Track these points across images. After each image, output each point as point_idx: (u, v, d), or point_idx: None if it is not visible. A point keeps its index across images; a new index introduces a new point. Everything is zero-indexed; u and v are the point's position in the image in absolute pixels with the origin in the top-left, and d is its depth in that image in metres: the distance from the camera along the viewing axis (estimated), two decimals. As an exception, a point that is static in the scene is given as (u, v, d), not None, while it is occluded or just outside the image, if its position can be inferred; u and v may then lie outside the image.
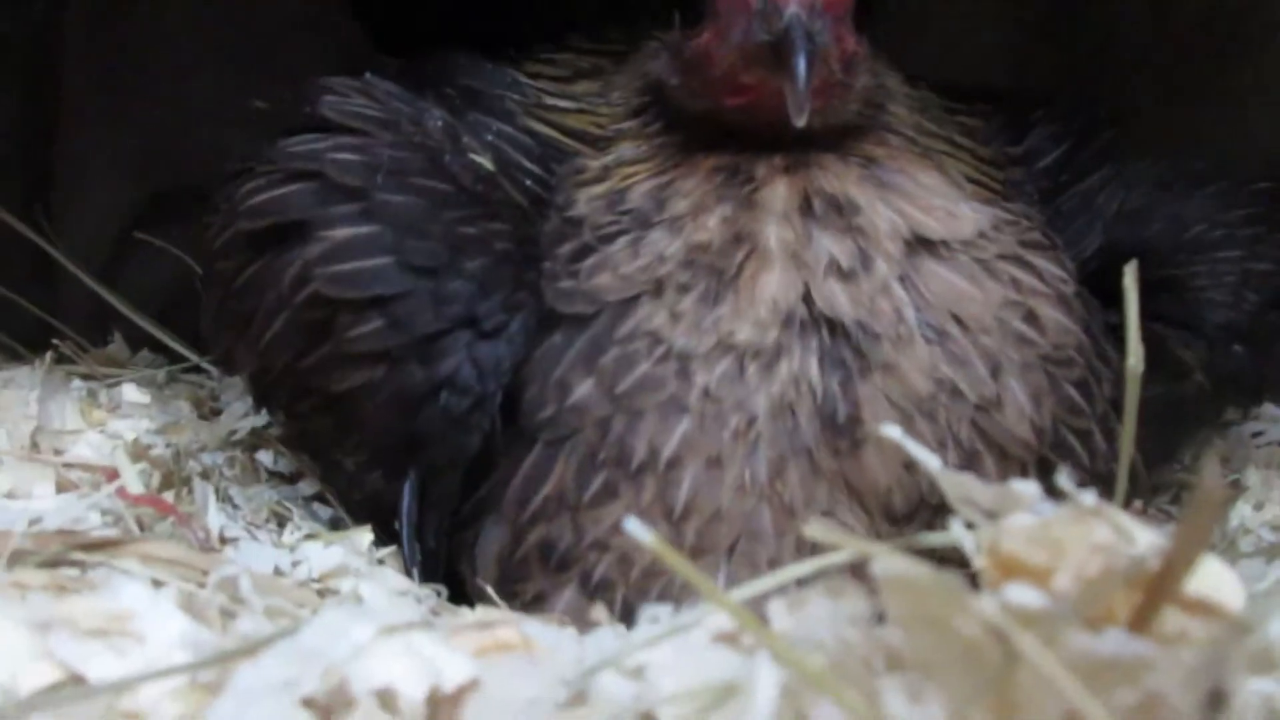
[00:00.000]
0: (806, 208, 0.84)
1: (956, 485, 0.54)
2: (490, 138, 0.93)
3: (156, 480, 0.96)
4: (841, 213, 0.83)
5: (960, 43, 1.50)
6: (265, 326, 0.88)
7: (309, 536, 0.93)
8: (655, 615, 0.58)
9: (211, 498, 0.94)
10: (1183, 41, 1.37)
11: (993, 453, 0.84)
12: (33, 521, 0.80)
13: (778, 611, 0.52)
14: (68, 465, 0.94)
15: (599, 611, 0.73)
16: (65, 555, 0.71)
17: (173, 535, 0.84)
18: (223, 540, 0.89)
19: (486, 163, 0.90)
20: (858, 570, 0.51)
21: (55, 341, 1.24)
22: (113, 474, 0.92)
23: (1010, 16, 1.52)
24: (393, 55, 1.15)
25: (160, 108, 1.55)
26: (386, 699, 0.53)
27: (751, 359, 0.82)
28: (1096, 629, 0.45)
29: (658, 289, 0.84)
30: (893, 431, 0.60)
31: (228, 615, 0.68)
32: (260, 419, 1.05)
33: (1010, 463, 0.85)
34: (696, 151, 0.87)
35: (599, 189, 0.89)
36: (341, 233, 0.85)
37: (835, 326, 0.82)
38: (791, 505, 0.81)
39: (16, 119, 1.53)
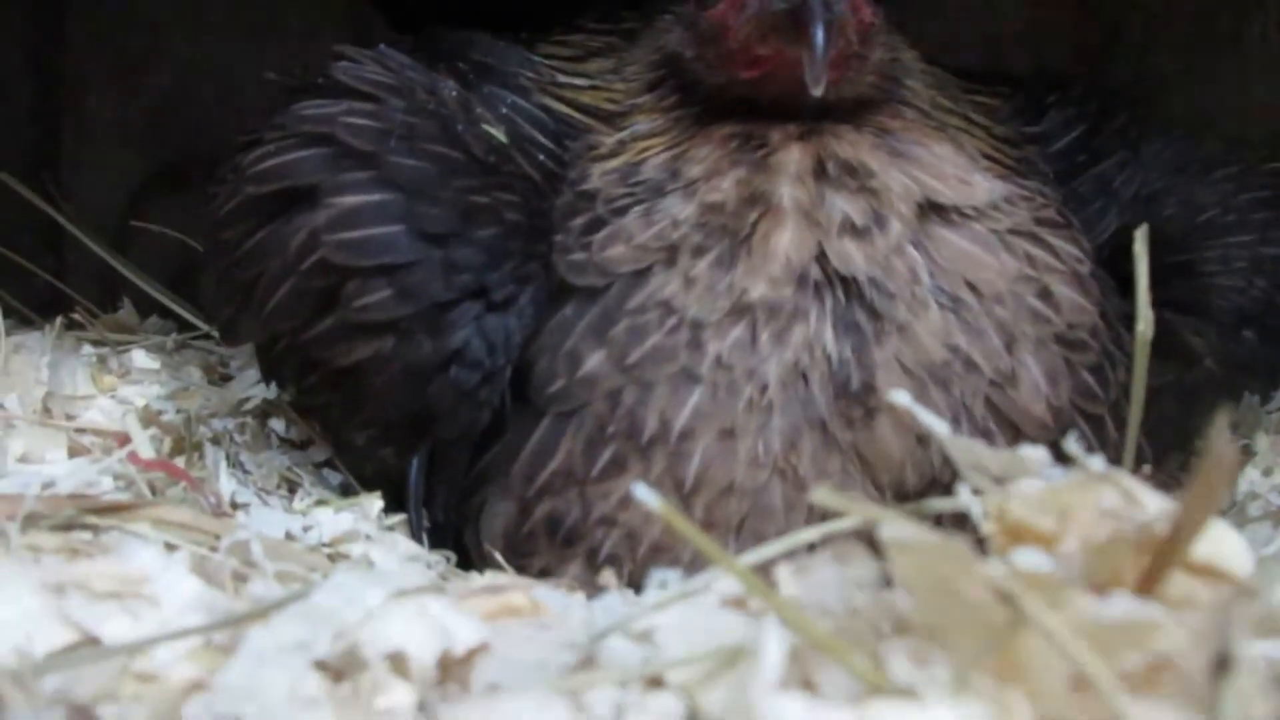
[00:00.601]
0: (820, 171, 0.83)
1: (965, 451, 0.54)
2: (504, 110, 0.92)
3: (167, 446, 0.97)
4: (855, 175, 0.83)
5: (975, 17, 1.49)
6: (270, 294, 0.87)
7: (320, 502, 0.93)
8: (664, 580, 0.59)
9: (223, 463, 0.95)
10: (1198, 11, 1.36)
11: (1007, 432, 0.83)
12: (45, 486, 0.81)
13: (785, 576, 0.52)
14: (79, 430, 0.95)
15: (608, 576, 0.73)
16: (78, 519, 0.72)
17: (184, 500, 0.85)
18: (234, 506, 0.90)
19: (499, 135, 0.89)
20: (866, 539, 0.52)
21: (71, 313, 1.24)
22: (124, 439, 0.93)
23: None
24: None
25: (169, 73, 1.55)
26: (397, 662, 0.53)
27: (765, 325, 0.81)
28: (1104, 593, 0.46)
29: (671, 257, 0.83)
30: (902, 398, 0.60)
31: (240, 579, 0.69)
32: (272, 390, 1.05)
33: (1024, 442, 0.84)
34: (711, 124, 0.87)
35: (613, 163, 0.88)
36: (351, 199, 0.84)
37: (849, 286, 0.81)
38: (803, 480, 0.81)
39: (24, 86, 1.53)
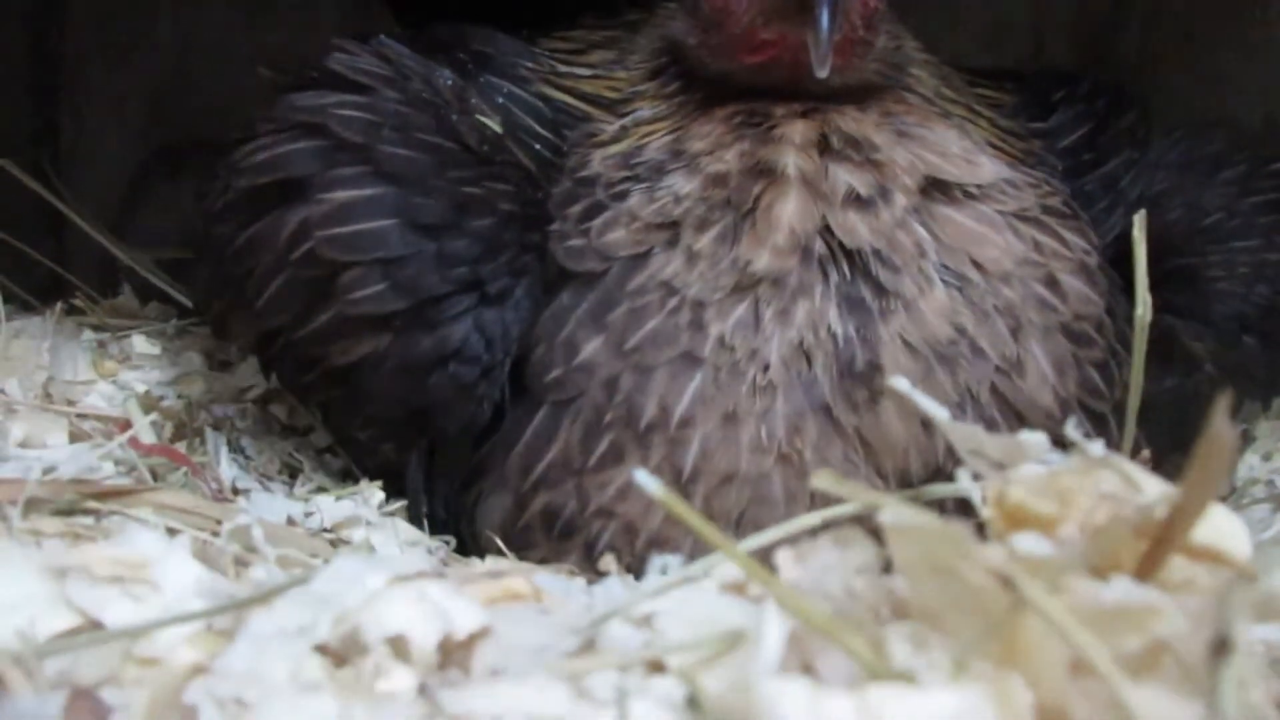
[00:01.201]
0: (824, 144, 0.83)
1: (965, 436, 0.54)
2: (500, 100, 0.91)
3: (168, 431, 0.97)
4: (859, 149, 0.83)
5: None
6: (262, 288, 0.87)
7: (321, 488, 0.93)
8: (664, 566, 0.59)
9: (224, 449, 0.95)
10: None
11: (1012, 422, 0.83)
12: (47, 470, 0.81)
13: (785, 561, 0.52)
14: (80, 416, 0.95)
15: (608, 561, 0.73)
16: (79, 504, 0.72)
17: (185, 485, 0.85)
18: (235, 491, 0.90)
19: (494, 124, 0.89)
20: (867, 527, 0.52)
21: (72, 298, 1.24)
22: (125, 425, 0.93)
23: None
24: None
25: (167, 56, 1.55)
26: (399, 646, 0.53)
27: (768, 302, 0.80)
28: (1103, 577, 0.46)
29: (673, 236, 0.83)
30: (902, 384, 0.60)
31: (241, 564, 0.69)
32: (273, 381, 1.04)
33: None
34: (714, 106, 0.86)
35: (615, 148, 0.88)
36: (343, 195, 0.83)
37: (854, 259, 0.81)
38: (806, 467, 0.80)
39: (22, 71, 1.53)
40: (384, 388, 0.86)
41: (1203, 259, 0.97)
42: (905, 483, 0.81)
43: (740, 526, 0.80)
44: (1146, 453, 0.72)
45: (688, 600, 0.53)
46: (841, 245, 0.81)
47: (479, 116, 0.89)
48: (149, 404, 0.99)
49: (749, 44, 0.83)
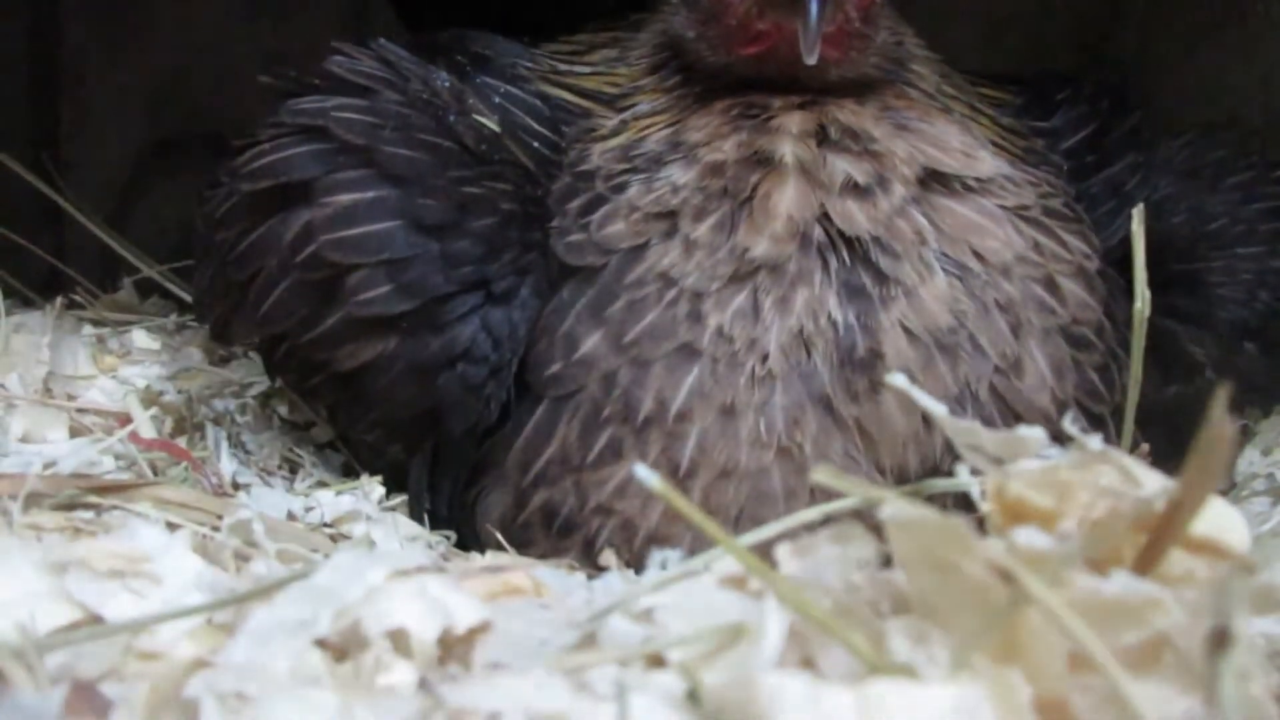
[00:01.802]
0: (822, 134, 0.83)
1: (963, 431, 0.54)
2: (497, 100, 0.91)
3: (169, 426, 0.97)
4: (857, 139, 0.83)
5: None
6: (266, 293, 0.87)
7: (321, 483, 0.94)
8: (664, 560, 0.59)
9: (224, 444, 0.95)
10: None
11: (1010, 421, 0.82)
12: (47, 465, 0.81)
13: (785, 556, 0.52)
14: (81, 410, 0.95)
15: (608, 556, 0.73)
16: (80, 498, 0.72)
17: (186, 480, 0.85)
18: (235, 486, 0.90)
19: (491, 123, 0.89)
20: (867, 522, 0.52)
21: (72, 293, 1.24)
22: (125, 419, 0.93)
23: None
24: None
25: (166, 51, 1.55)
26: (399, 640, 0.53)
27: (767, 291, 0.80)
28: (1103, 571, 0.46)
29: (670, 226, 0.83)
30: (899, 379, 0.60)
31: (241, 558, 0.69)
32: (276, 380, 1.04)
33: None
34: (713, 99, 0.87)
35: (614, 142, 0.88)
36: (346, 198, 0.83)
37: (853, 247, 0.81)
38: (805, 461, 0.79)
39: (22, 66, 1.53)
40: (392, 390, 0.86)
41: (1205, 264, 0.97)
42: (903, 479, 0.80)
43: (739, 523, 0.79)
44: (1145, 447, 0.72)
45: (688, 595, 0.53)
46: (841, 233, 0.81)
47: (476, 116, 0.89)
48: (149, 399, 0.99)
49: (745, 35, 0.83)
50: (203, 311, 1.01)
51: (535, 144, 0.90)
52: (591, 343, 0.83)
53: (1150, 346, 0.74)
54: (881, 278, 0.81)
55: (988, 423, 0.81)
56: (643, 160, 0.85)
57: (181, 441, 0.94)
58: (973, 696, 0.43)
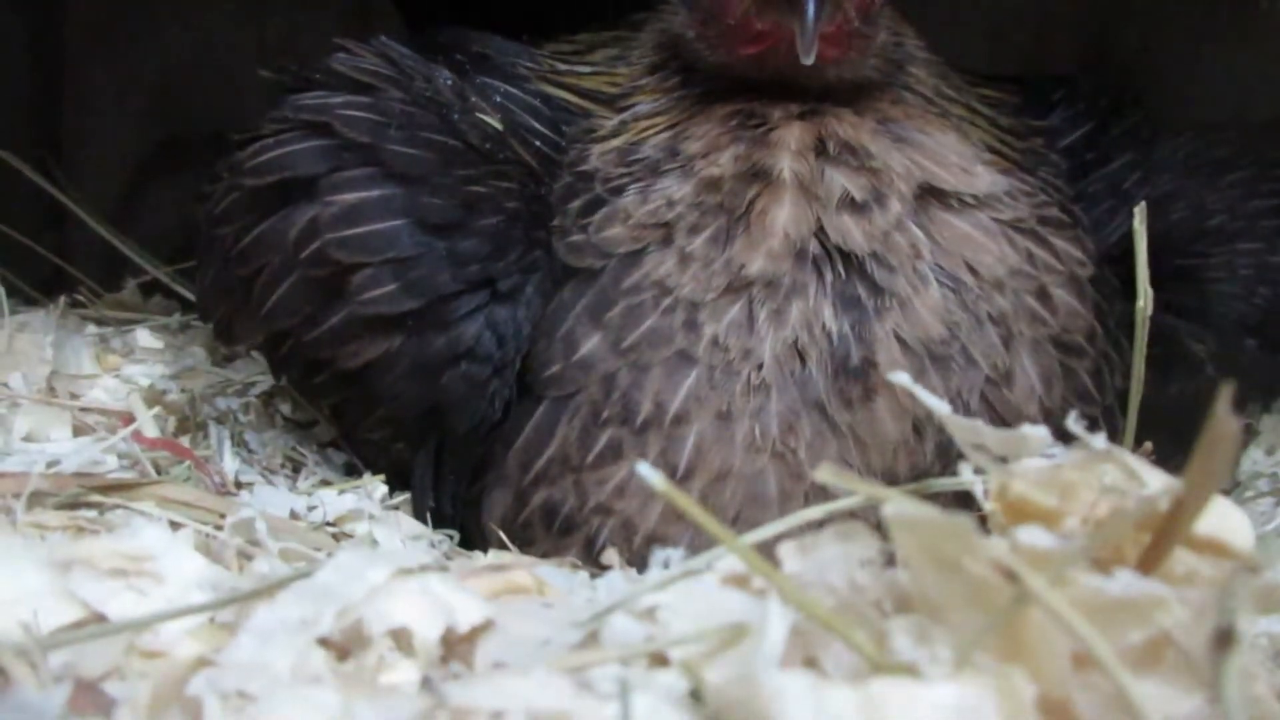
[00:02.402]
0: (820, 148, 0.83)
1: (966, 430, 0.54)
2: (498, 99, 0.91)
3: (172, 425, 0.97)
4: (855, 155, 0.83)
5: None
6: (271, 290, 0.86)
7: (324, 482, 0.93)
8: (666, 559, 0.59)
9: (227, 443, 0.95)
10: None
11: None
12: (50, 464, 0.81)
13: (788, 554, 0.52)
14: (84, 409, 0.95)
15: (610, 554, 0.73)
16: (83, 497, 0.72)
17: (189, 479, 0.85)
18: (238, 485, 0.90)
19: (495, 122, 0.89)
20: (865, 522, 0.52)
21: (75, 292, 1.24)
22: (128, 418, 0.93)
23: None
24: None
25: (168, 51, 1.55)
26: (401, 639, 0.54)
27: (762, 303, 0.81)
28: (1106, 570, 0.46)
29: (666, 235, 0.83)
30: (902, 378, 0.60)
31: (244, 557, 0.69)
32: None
33: None
34: (713, 103, 0.86)
35: (614, 143, 0.88)
36: (352, 196, 0.83)
37: (849, 260, 0.81)
38: (800, 465, 0.80)
39: (24, 66, 1.53)
40: (396, 388, 0.86)
41: (1205, 260, 0.97)
42: (892, 485, 0.81)
43: (735, 525, 0.79)
44: (1148, 445, 0.72)
45: (690, 594, 0.53)
46: (837, 247, 0.81)
47: (479, 114, 0.89)
48: (152, 398, 0.99)
49: (744, 35, 0.83)
50: (206, 310, 1.01)
51: (537, 143, 0.90)
52: (591, 345, 0.83)
53: (1151, 343, 0.74)
54: (876, 289, 0.81)
55: None
56: (640, 167, 0.86)
57: (184, 440, 0.94)
58: (976, 695, 0.43)
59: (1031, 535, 0.45)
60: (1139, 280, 0.70)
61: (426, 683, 0.51)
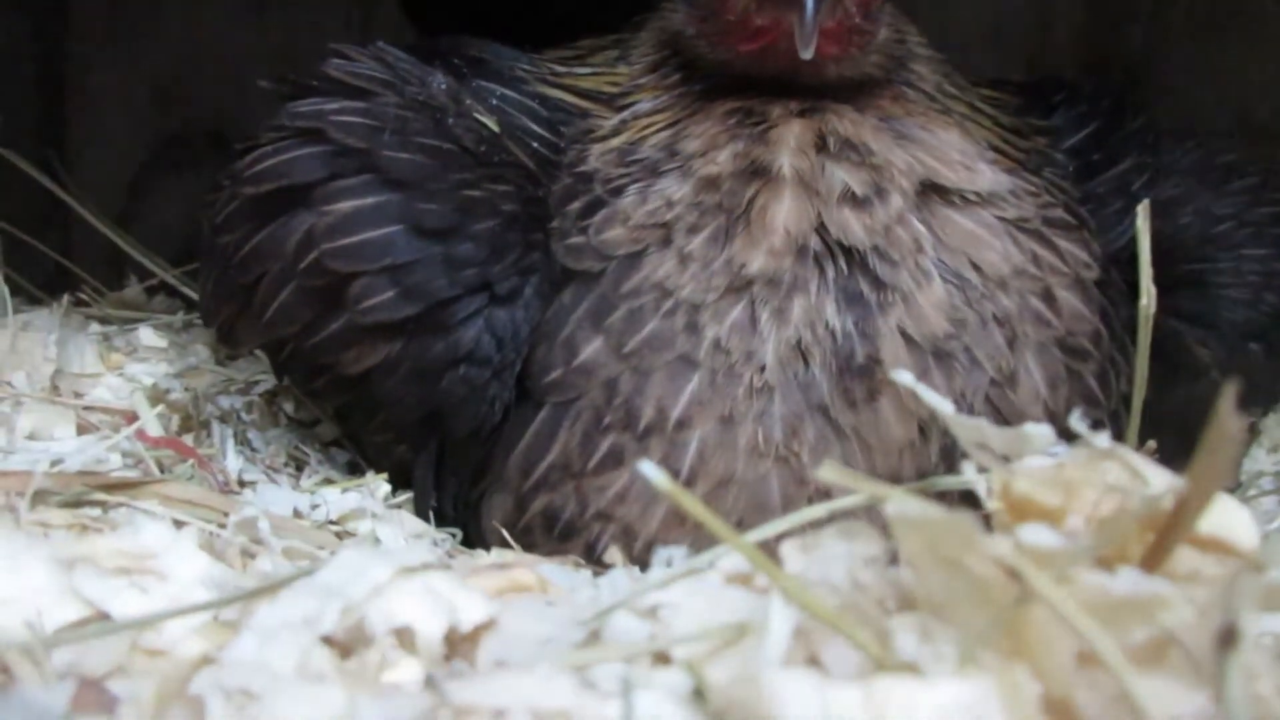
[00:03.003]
0: (821, 145, 0.83)
1: (969, 429, 0.54)
2: (494, 102, 0.91)
3: (175, 424, 0.97)
4: (856, 151, 0.82)
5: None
6: (272, 297, 0.86)
7: (327, 481, 0.94)
8: (669, 558, 0.59)
9: (230, 441, 0.95)
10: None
11: None
12: (54, 462, 0.81)
13: (791, 553, 0.52)
14: (88, 408, 0.95)
15: (613, 554, 0.73)
16: (87, 495, 0.72)
17: (192, 477, 0.85)
18: (241, 483, 0.90)
19: (490, 124, 0.89)
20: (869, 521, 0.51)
21: (78, 291, 1.24)
22: (132, 417, 0.93)
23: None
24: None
25: (171, 50, 1.55)
26: (404, 637, 0.54)
27: (764, 302, 0.80)
28: (1110, 568, 0.46)
29: (665, 236, 0.82)
30: (905, 377, 0.60)
31: (247, 555, 0.69)
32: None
33: None
34: (713, 101, 0.86)
35: (613, 143, 0.88)
36: (347, 205, 0.83)
37: (851, 256, 0.80)
38: (803, 473, 0.80)
39: (28, 65, 1.53)
40: (397, 392, 0.86)
41: (1212, 265, 0.97)
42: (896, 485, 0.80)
43: (738, 530, 0.79)
44: (1152, 444, 0.72)
45: (693, 592, 0.53)
46: (839, 242, 0.81)
47: (475, 116, 0.88)
48: (156, 396, 0.99)
49: (744, 31, 0.83)
50: (208, 315, 1.01)
51: (534, 145, 0.90)
52: (591, 349, 0.83)
53: (1156, 347, 0.74)
54: (879, 284, 0.81)
55: None
56: (639, 168, 0.85)
57: (188, 439, 0.95)
58: (979, 693, 0.43)
59: (1035, 534, 0.45)
60: (1142, 278, 0.69)
61: (429, 681, 0.51)
